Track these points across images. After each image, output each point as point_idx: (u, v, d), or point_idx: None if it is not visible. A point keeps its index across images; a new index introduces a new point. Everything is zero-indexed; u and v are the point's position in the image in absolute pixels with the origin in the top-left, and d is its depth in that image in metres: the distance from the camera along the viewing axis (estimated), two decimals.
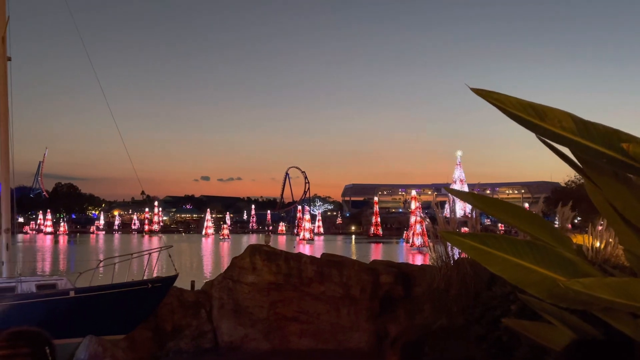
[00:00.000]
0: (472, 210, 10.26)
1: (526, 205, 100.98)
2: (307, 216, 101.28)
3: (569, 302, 2.25)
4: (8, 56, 13.84)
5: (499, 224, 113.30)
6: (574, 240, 6.92)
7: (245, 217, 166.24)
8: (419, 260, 48.80)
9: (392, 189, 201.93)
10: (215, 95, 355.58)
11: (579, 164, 2.27)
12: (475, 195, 2.33)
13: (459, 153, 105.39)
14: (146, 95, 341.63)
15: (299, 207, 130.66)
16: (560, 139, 2.13)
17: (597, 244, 8.21)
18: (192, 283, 17.97)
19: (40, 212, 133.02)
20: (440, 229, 10.04)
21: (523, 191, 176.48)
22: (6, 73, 13.78)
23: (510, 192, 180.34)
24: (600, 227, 8.63)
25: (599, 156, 2.03)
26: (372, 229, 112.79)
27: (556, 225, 10.75)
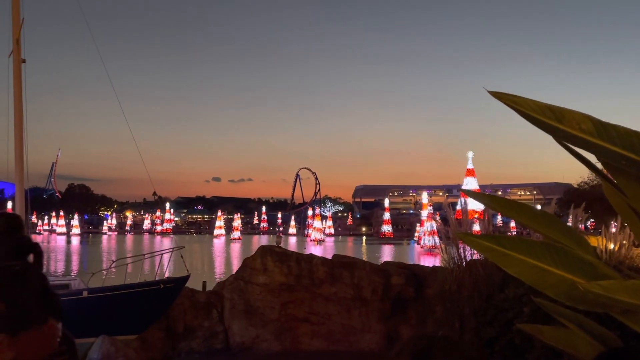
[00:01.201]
0: (484, 211, 10.20)
1: (538, 207, 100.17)
2: (318, 218, 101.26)
3: (588, 304, 2.22)
4: (23, 58, 13.92)
5: (511, 225, 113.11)
6: (592, 242, 6.85)
7: (256, 218, 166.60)
8: (430, 261, 48.64)
9: (403, 190, 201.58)
10: (227, 97, 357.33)
11: (598, 166, 2.24)
12: (491, 197, 2.31)
13: (470, 154, 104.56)
14: (158, 97, 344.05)
15: (310, 208, 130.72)
16: (579, 141, 2.10)
17: (611, 246, 8.12)
18: (204, 284, 18.02)
19: (53, 212, 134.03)
20: (452, 231, 9.99)
21: (535, 192, 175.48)
22: (21, 75, 13.86)
23: (522, 193, 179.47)
24: (614, 229, 8.55)
25: (619, 158, 1.99)
26: (383, 230, 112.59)
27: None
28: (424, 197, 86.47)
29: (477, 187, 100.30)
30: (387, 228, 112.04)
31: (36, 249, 5.08)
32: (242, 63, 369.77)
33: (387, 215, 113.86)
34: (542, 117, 2.09)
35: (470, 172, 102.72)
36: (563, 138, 2.15)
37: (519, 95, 2.11)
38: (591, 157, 2.22)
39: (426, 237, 71.33)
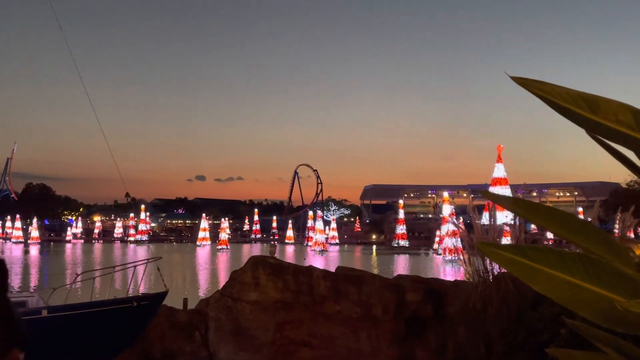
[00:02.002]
0: (514, 216, 10.21)
1: (580, 209, 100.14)
2: (320, 222, 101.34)
3: (628, 326, 2.23)
4: None
5: (548, 234, 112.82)
6: (638, 252, 6.86)
7: (246, 223, 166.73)
8: (451, 275, 48.65)
9: (420, 190, 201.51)
10: (212, 84, 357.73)
11: (639, 164, 2.24)
12: (514, 200, 2.31)
13: (500, 148, 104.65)
14: (132, 84, 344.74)
15: (310, 212, 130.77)
16: (617, 135, 2.10)
17: None
18: (185, 301, 18.07)
19: (8, 216, 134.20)
20: (477, 238, 10.01)
21: (576, 193, 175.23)
22: None
23: (561, 194, 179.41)
24: None
25: None
26: (397, 237, 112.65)
27: (616, 234, 10.66)
28: (445, 209, 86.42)
29: (504, 176, 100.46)
30: (401, 234, 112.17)
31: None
32: (230, 45, 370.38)
33: (401, 219, 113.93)
34: (573, 107, 2.08)
35: (499, 159, 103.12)
36: (597, 131, 2.15)
37: (546, 82, 2.11)
38: (631, 154, 2.21)
39: (447, 240, 71.26)
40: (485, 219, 16.27)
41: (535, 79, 2.13)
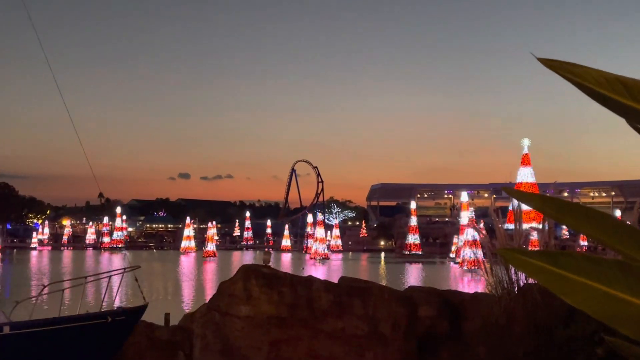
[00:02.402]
0: (543, 219, 10.21)
1: (617, 212, 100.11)
2: (321, 229, 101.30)
3: None
4: None
5: (581, 238, 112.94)
6: None
7: (237, 227, 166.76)
8: (471, 286, 48.68)
9: (435, 190, 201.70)
10: (198, 71, 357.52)
11: None
12: (544, 199, 2.27)
13: (526, 142, 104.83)
14: (108, 71, 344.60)
15: (310, 215, 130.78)
16: None
17: None
18: (167, 316, 18.04)
19: None
20: (500, 244, 10.01)
21: (613, 193, 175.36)
22: None
23: (596, 194, 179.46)
24: None
25: None
26: (408, 247, 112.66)
27: None
28: (464, 197, 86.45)
29: (534, 182, 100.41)
30: (414, 244, 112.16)
31: None
32: (219, 29, 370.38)
33: (413, 223, 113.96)
34: (610, 93, 2.04)
35: (525, 161, 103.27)
36: (638, 120, 2.12)
37: (578, 64, 2.07)
38: None
39: (465, 251, 71.23)
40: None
41: (566, 61, 2.09)
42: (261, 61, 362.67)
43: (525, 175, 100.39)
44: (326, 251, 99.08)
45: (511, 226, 12.19)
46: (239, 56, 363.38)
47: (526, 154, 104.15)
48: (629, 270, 2.09)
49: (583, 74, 2.06)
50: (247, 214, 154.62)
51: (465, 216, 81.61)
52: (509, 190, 2.29)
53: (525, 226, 10.91)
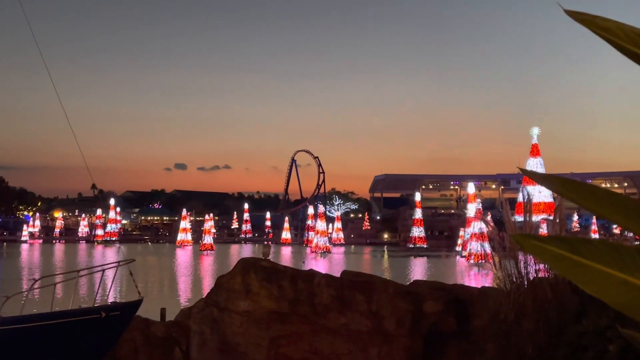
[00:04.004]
0: (555, 210, 10.18)
1: None
2: (322, 220, 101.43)
3: None
4: None
5: (592, 228, 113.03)
6: None
7: (235, 220, 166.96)
8: (478, 281, 48.72)
9: (441, 181, 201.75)
10: (194, 58, 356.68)
11: None
12: (564, 182, 2.21)
13: (535, 131, 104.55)
14: (101, 58, 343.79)
15: (311, 207, 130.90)
16: None
17: None
18: (163, 311, 18.07)
19: None
20: (509, 236, 9.98)
21: (626, 184, 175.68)
22: None
23: (608, 185, 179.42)
24: None
25: None
26: (413, 241, 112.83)
27: None
28: (470, 188, 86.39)
29: (543, 172, 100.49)
30: (419, 237, 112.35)
31: None
32: (215, 14, 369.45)
33: (418, 216, 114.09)
34: None
35: (534, 151, 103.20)
36: None
37: (610, 19, 1.98)
38: None
39: (472, 244, 71.23)
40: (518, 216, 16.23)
41: (596, 15, 2.01)
42: (261, 49, 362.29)
43: (535, 166, 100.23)
44: (327, 244, 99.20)
45: (520, 218, 12.17)
46: (238, 44, 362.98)
47: (535, 143, 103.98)
48: None
49: (614, 29, 1.98)
50: (246, 205, 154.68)
51: (472, 208, 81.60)
52: (528, 172, 2.25)
53: (535, 218, 10.89)
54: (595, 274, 2.08)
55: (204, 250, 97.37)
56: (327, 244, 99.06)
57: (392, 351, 12.12)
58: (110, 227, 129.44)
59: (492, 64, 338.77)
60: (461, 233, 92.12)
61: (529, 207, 10.56)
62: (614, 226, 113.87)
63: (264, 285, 12.44)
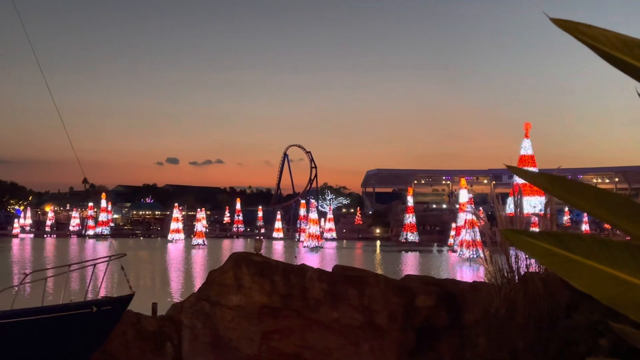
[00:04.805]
0: (546, 204, 10.21)
1: None
2: (314, 214, 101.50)
3: None
4: None
5: (584, 228, 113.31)
6: None
7: (227, 214, 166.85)
8: (470, 275, 48.84)
9: (433, 176, 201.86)
10: (186, 51, 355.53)
11: None
12: (551, 178, 2.22)
13: (529, 126, 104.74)
14: (92, 52, 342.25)
15: (303, 202, 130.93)
16: None
17: None
18: (154, 306, 18.05)
19: None
20: (501, 230, 10.01)
21: (617, 180, 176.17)
22: None
23: (599, 180, 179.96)
24: None
25: None
26: (405, 230, 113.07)
27: None
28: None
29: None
30: (410, 225, 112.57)
31: None
32: (208, 12, 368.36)
33: (410, 207, 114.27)
34: (626, 57, 1.98)
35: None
36: None
37: (594, 26, 1.99)
38: None
39: (464, 233, 71.39)
40: (509, 209, 16.28)
41: (580, 22, 2.02)
42: (253, 43, 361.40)
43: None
44: (320, 239, 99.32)
45: (511, 204, 12.19)
46: (229, 38, 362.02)
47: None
48: (639, 252, 2.06)
49: (599, 37, 1.99)
50: (238, 200, 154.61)
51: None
52: (515, 169, 2.26)
53: (527, 211, 10.92)
54: (584, 269, 2.09)
55: (195, 244, 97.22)
56: (319, 239, 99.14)
57: (384, 345, 12.14)
58: (102, 220, 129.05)
59: (484, 59, 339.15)
60: (453, 226, 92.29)
61: (519, 202, 10.60)
62: None
63: (255, 280, 12.44)
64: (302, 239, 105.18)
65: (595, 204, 2.19)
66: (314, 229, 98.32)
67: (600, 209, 2.17)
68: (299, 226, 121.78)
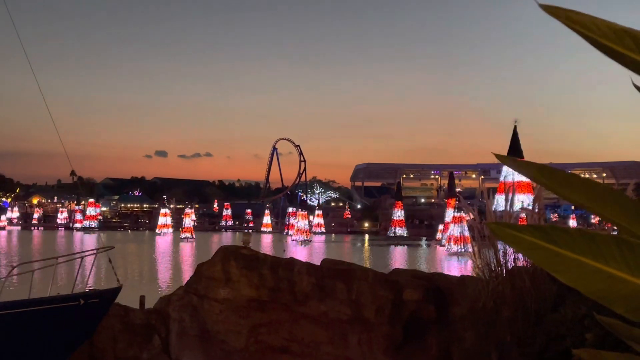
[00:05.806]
0: (534, 200, 10.24)
1: None
2: (303, 208, 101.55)
3: None
4: None
5: (571, 223, 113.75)
6: None
7: (216, 207, 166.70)
8: (458, 269, 48.94)
9: (422, 170, 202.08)
10: (175, 43, 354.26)
11: None
12: (540, 168, 2.20)
13: (515, 122, 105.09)
14: (80, 44, 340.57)
15: (292, 195, 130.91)
16: None
17: None
18: (142, 299, 18.01)
19: None
20: (487, 223, 10.03)
21: (605, 175, 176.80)
22: None
23: (587, 175, 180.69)
24: None
25: None
26: (393, 224, 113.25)
27: None
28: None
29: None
30: (398, 220, 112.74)
31: None
32: (197, 5, 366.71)
33: (399, 202, 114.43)
34: (616, 45, 1.95)
35: (514, 147, 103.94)
36: None
37: (584, 13, 1.97)
38: None
39: (452, 227, 71.62)
40: (498, 204, 16.32)
41: (570, 9, 1.99)
42: (243, 37, 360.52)
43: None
44: (308, 233, 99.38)
45: (501, 207, 12.23)
46: (219, 31, 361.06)
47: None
48: (626, 246, 2.04)
49: (588, 24, 1.96)
50: (227, 194, 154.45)
51: (452, 208, 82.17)
52: (503, 158, 2.25)
53: (516, 206, 10.95)
54: (570, 262, 2.07)
55: (184, 238, 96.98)
56: (308, 232, 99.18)
57: (372, 339, 12.16)
58: (90, 213, 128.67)
59: (473, 55, 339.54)
60: (441, 225, 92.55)
61: (510, 196, 10.63)
62: (592, 216, 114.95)
63: (244, 273, 12.43)
64: (290, 233, 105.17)
65: (583, 194, 2.18)
66: (302, 223, 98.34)
67: (589, 200, 2.16)
68: (287, 221, 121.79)
